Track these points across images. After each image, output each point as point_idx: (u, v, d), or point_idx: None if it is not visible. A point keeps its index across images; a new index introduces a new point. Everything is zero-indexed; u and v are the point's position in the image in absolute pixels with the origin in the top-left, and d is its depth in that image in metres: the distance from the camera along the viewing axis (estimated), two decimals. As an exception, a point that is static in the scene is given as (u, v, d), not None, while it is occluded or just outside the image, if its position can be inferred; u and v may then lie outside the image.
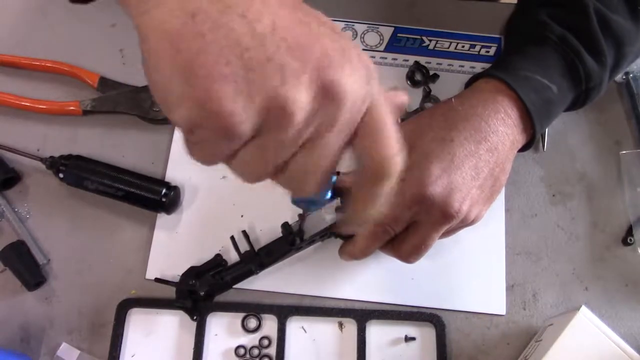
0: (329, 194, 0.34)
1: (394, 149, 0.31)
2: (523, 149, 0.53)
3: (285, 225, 0.54)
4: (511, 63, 0.52)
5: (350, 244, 0.53)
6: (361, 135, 0.30)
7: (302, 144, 0.29)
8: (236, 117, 0.27)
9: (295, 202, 0.36)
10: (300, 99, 0.27)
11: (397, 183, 0.33)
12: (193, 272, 0.57)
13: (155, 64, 0.27)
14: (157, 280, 0.58)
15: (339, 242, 0.56)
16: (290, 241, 0.53)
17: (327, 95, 0.27)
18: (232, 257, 0.58)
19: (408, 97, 0.35)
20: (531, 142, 0.52)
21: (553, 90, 0.50)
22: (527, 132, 0.50)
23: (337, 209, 0.54)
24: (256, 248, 0.56)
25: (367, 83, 0.29)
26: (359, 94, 0.28)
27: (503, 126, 0.49)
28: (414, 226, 0.49)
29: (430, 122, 0.51)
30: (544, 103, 0.50)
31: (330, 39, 0.28)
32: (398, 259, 0.53)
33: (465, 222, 0.49)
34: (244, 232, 0.57)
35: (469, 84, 0.55)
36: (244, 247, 0.56)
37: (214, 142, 0.28)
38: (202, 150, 0.30)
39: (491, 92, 0.50)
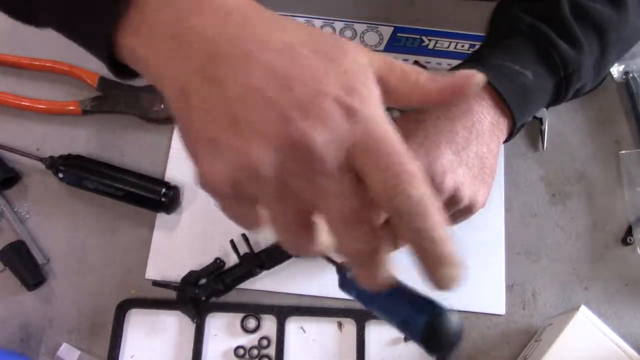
0: None
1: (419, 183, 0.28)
2: (508, 138, 0.53)
3: None
4: (482, 55, 0.52)
5: None
6: (362, 173, 0.28)
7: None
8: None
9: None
10: (264, 156, 0.27)
11: None
12: (193, 277, 0.57)
13: (178, 133, 0.31)
14: (155, 284, 0.58)
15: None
16: None
17: (293, 149, 0.27)
18: (232, 259, 0.58)
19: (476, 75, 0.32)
20: (514, 129, 0.52)
21: (528, 77, 0.50)
22: (507, 116, 0.50)
23: None
24: (256, 250, 0.56)
25: (347, 122, 0.27)
26: (327, 140, 0.27)
27: (477, 106, 0.49)
28: None
29: (404, 114, 0.52)
30: (519, 89, 0.50)
31: (304, 86, 0.28)
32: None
33: (458, 204, 0.49)
34: (243, 235, 0.57)
35: None
36: (243, 249, 0.56)
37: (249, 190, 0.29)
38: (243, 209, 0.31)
39: None
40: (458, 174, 0.48)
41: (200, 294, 0.55)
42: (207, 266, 0.58)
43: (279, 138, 0.27)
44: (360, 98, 0.28)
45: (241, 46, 0.28)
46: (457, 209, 0.50)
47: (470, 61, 0.53)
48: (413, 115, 0.50)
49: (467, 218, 0.52)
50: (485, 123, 0.49)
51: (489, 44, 0.55)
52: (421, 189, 0.27)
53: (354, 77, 0.29)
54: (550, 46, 0.50)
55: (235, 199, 0.29)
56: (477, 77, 0.32)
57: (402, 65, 0.31)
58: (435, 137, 0.47)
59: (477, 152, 0.49)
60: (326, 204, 0.28)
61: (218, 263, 0.58)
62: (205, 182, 0.29)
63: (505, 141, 0.53)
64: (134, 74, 0.33)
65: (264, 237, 0.59)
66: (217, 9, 0.29)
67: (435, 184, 0.46)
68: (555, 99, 0.54)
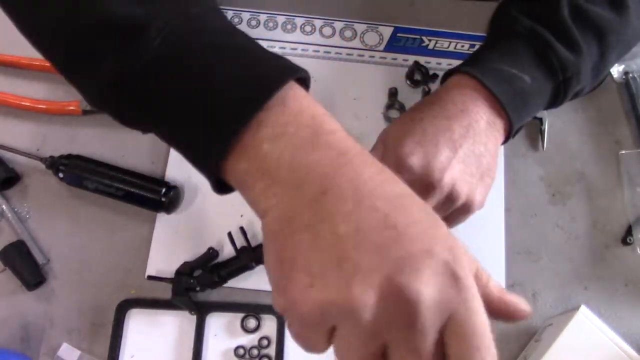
0: None
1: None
2: (506, 139, 0.53)
3: None
4: (479, 57, 0.53)
5: None
6: (449, 343, 0.29)
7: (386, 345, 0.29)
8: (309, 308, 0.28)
9: None
10: (366, 298, 0.27)
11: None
12: (187, 268, 0.57)
13: (266, 258, 0.31)
14: (150, 277, 0.58)
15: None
16: None
17: (397, 299, 0.27)
18: (230, 253, 0.58)
19: (528, 308, 0.35)
20: (511, 131, 0.52)
21: (526, 80, 0.50)
22: (503, 118, 0.51)
23: None
24: (253, 244, 0.56)
25: (451, 287, 0.28)
26: (433, 300, 0.28)
27: (473, 105, 0.49)
28: None
29: (402, 114, 0.53)
30: (516, 93, 0.50)
31: (416, 240, 0.28)
32: None
33: (456, 202, 0.49)
34: (241, 228, 0.57)
35: (441, 84, 0.55)
36: (241, 243, 0.56)
37: (306, 328, 0.30)
38: (301, 336, 0.31)
39: (457, 84, 0.51)
40: (455, 171, 0.48)
41: (195, 284, 0.56)
42: (201, 256, 0.58)
43: (388, 284, 0.27)
44: (464, 266, 0.29)
45: (355, 186, 0.29)
46: (455, 207, 0.50)
47: (468, 63, 0.53)
48: (411, 114, 0.50)
49: (466, 218, 0.52)
50: (482, 123, 0.49)
51: (488, 46, 0.55)
52: None
53: (457, 242, 0.30)
54: (549, 49, 0.50)
55: (313, 326, 0.30)
56: (527, 312, 0.35)
57: (477, 262, 0.33)
58: (433, 136, 0.48)
59: (474, 151, 0.49)
60: (403, 355, 0.29)
61: (211, 253, 0.58)
62: (292, 307, 0.29)
63: (504, 142, 0.53)
64: (232, 190, 0.34)
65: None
66: (332, 147, 0.30)
67: (434, 181, 0.46)
68: (554, 102, 0.54)
